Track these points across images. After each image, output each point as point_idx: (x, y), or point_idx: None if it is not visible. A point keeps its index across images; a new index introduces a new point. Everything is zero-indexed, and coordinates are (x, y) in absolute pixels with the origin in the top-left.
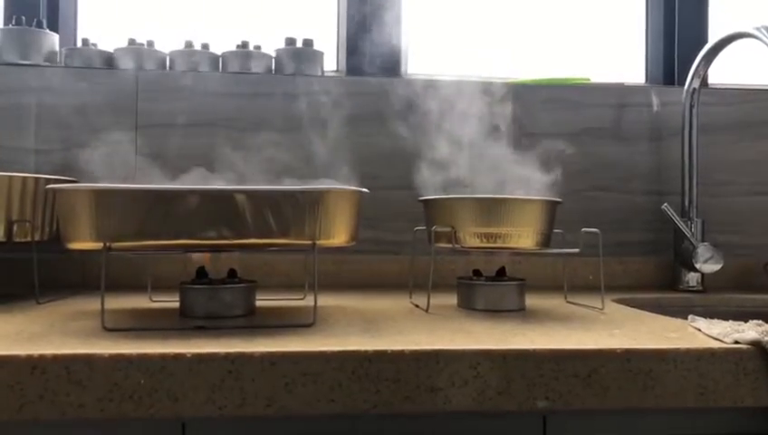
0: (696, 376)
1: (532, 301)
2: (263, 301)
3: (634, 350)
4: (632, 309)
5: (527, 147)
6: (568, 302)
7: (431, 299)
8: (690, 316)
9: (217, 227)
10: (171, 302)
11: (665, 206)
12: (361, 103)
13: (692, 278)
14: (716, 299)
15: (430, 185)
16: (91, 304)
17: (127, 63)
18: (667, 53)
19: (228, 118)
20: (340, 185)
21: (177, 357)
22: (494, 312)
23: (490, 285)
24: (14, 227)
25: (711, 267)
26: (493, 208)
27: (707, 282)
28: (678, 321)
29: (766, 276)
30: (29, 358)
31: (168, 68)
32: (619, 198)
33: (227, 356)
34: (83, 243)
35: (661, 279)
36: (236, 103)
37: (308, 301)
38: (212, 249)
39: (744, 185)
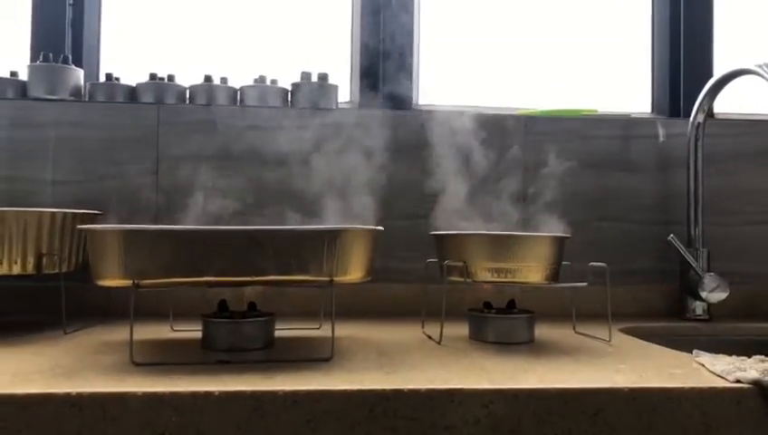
0: (699, 414)
1: (541, 331)
2: (281, 330)
3: (639, 388)
4: (638, 341)
5: (536, 178)
6: (576, 332)
7: (443, 330)
8: (695, 351)
9: (240, 266)
10: (192, 331)
11: (671, 237)
12: (375, 136)
13: (698, 307)
14: (723, 328)
15: (439, 215)
16: (115, 333)
17: (148, 97)
18: (672, 84)
19: (246, 150)
20: (357, 225)
21: (206, 396)
22: (505, 344)
23: (500, 318)
24: (44, 260)
25: (717, 296)
26: (503, 245)
27: (714, 310)
28: (683, 355)
29: None
30: (67, 396)
31: (188, 101)
32: (626, 227)
33: (253, 394)
34: (113, 280)
35: (668, 307)
36: (254, 135)
37: (324, 330)
38: (234, 285)
39: (749, 214)
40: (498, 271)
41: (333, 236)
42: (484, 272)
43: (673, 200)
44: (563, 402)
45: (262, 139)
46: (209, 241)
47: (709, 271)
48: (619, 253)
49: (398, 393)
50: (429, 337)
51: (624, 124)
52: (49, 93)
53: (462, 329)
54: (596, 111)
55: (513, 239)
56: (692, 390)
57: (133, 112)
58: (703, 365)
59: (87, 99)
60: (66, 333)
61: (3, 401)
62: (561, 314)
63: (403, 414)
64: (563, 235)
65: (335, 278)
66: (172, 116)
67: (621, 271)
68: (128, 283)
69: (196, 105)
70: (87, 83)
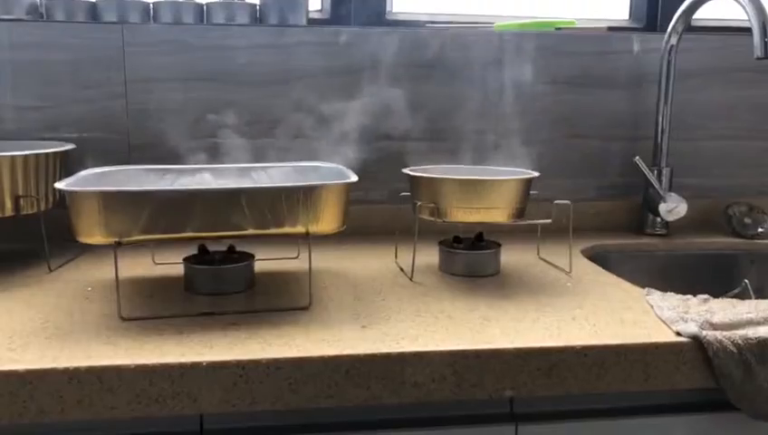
0: (642, 365)
1: (508, 257)
2: (261, 261)
3: (590, 346)
4: (597, 270)
5: (508, 96)
6: (540, 258)
7: (415, 259)
8: (646, 289)
9: (218, 223)
10: (174, 264)
11: (637, 159)
12: (348, 53)
13: (657, 222)
14: (679, 244)
15: (412, 137)
16: (99, 269)
17: (111, 15)
18: None
19: (215, 71)
20: (329, 163)
21: (194, 366)
22: (473, 278)
23: (468, 254)
24: (21, 202)
25: (675, 215)
26: (472, 188)
27: (672, 223)
28: (636, 292)
29: (725, 219)
30: (65, 371)
31: (152, 19)
32: (595, 144)
33: (238, 363)
34: (93, 238)
35: (630, 221)
36: (222, 55)
37: (302, 260)
38: (214, 240)
39: (714, 129)
40: (467, 211)
41: (308, 191)
42: (453, 211)
43: (645, 116)
44: (521, 360)
45: (229, 58)
46: (188, 200)
47: (670, 190)
48: (587, 169)
49: (371, 357)
50: (402, 270)
51: (599, 40)
52: (4, 12)
53: (433, 256)
54: (574, 22)
55: (481, 184)
56: (637, 346)
57: (96, 33)
58: (652, 307)
59: (45, 17)
60: (51, 271)
61: (7, 375)
62: (530, 232)
63: (376, 374)
64: (529, 175)
65: (310, 230)
66: (137, 36)
67: (588, 186)
68: (109, 241)
69: (162, 24)
70: (43, 0)
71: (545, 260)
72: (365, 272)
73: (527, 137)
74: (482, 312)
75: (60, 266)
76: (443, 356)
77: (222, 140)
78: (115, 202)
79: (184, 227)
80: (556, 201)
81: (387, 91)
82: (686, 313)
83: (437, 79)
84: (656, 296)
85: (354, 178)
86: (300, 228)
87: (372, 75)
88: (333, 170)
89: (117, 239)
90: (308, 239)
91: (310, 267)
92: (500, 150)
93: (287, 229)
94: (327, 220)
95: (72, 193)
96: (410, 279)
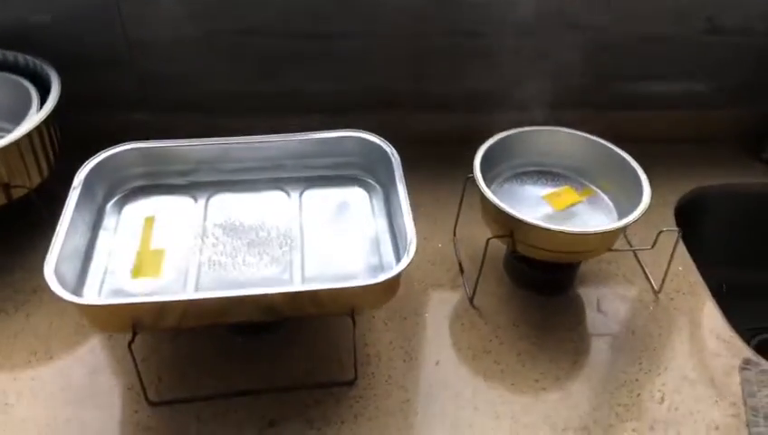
0: None
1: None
2: None
3: None
4: (690, 288)
5: None
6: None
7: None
8: (743, 359)
9: (251, 316)
10: None
11: None
12: None
13: None
14: None
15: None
16: None
17: None
18: None
19: None
20: (369, 135)
21: None
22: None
23: (547, 301)
24: (11, 190)
25: None
26: (560, 238)
27: None
28: (733, 348)
29: None
30: None
31: None
32: (745, 43)
33: None
34: (106, 331)
35: (743, 135)
36: None
37: None
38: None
39: None
40: (551, 254)
41: (357, 292)
42: (533, 250)
43: None
44: None
45: None
46: (219, 308)
47: None
48: (729, 77)
49: None
50: (461, 269)
51: None
52: None
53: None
54: None
55: (571, 237)
56: None
57: None
58: (745, 404)
59: None
60: None
61: None
62: None
63: None
64: (627, 222)
65: (356, 310)
66: None
67: (706, 90)
68: (124, 332)
69: None
70: None
71: (629, 244)
72: (416, 272)
73: (644, 30)
74: (561, 419)
75: None
76: None
77: (259, 63)
78: (129, 312)
79: (211, 322)
80: (664, 229)
81: None
82: None
83: None
84: (751, 376)
85: (411, 254)
86: (343, 311)
87: None
88: (376, 149)
89: (132, 334)
90: (354, 328)
91: (355, 347)
92: (608, 49)
93: (329, 312)
94: (376, 303)
95: (83, 306)
96: (471, 302)
